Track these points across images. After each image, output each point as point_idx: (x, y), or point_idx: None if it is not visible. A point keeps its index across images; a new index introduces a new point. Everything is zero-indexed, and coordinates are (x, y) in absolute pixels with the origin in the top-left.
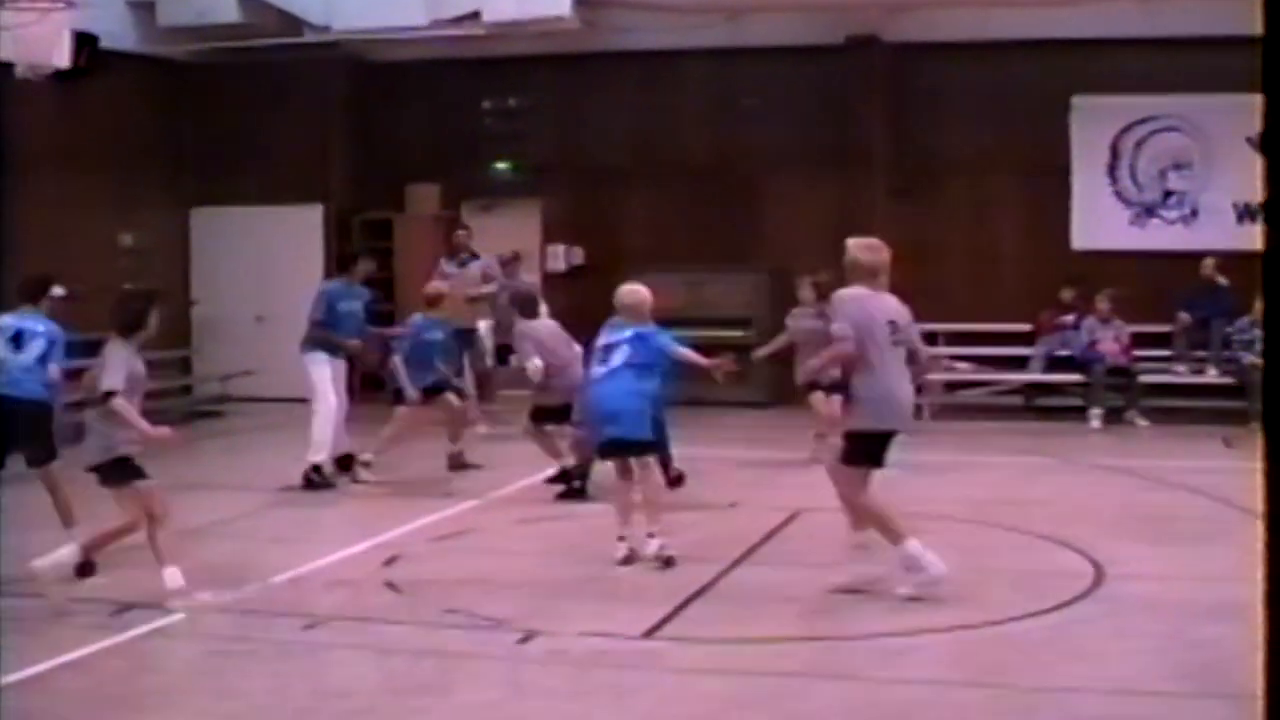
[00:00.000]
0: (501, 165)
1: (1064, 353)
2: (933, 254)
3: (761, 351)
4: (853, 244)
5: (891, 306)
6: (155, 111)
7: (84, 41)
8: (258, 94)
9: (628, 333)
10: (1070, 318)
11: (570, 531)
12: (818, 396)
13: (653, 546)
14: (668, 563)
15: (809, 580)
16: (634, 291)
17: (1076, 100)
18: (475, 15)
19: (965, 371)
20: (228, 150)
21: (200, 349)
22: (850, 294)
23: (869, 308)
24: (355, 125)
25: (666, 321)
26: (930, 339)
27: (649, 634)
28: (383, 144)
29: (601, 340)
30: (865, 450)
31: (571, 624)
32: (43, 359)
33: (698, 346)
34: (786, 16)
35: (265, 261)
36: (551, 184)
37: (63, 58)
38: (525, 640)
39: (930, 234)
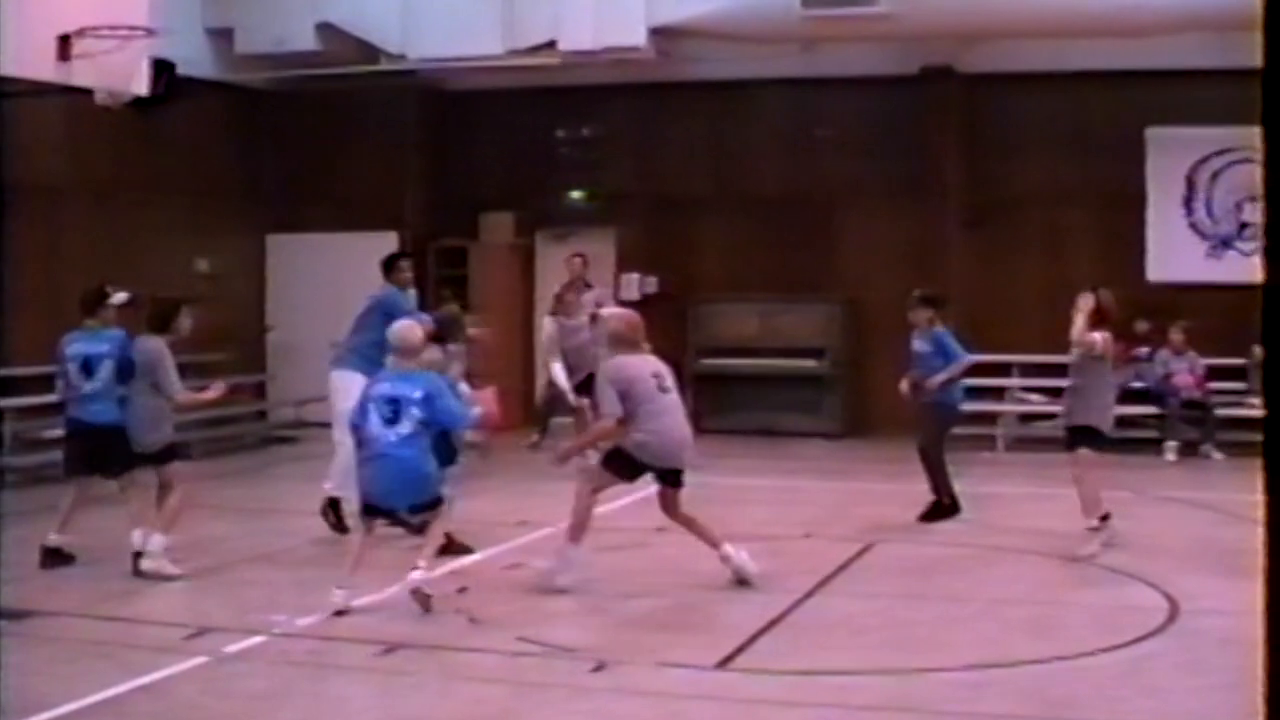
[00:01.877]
0: (576, 194)
1: (1138, 385)
2: (1006, 285)
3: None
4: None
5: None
6: (232, 138)
7: (162, 69)
8: (334, 122)
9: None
10: (1145, 350)
11: (643, 561)
12: None
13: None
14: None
15: (882, 612)
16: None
17: (1151, 132)
18: (551, 44)
19: (1038, 403)
20: (304, 177)
21: (275, 374)
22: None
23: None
24: (431, 153)
25: (740, 350)
26: (1003, 370)
27: (722, 665)
28: (458, 172)
29: None
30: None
31: (644, 654)
32: (120, 376)
33: (772, 376)
34: (861, 47)
35: (340, 288)
36: (626, 213)
37: (141, 85)
38: (598, 670)
39: (1004, 265)
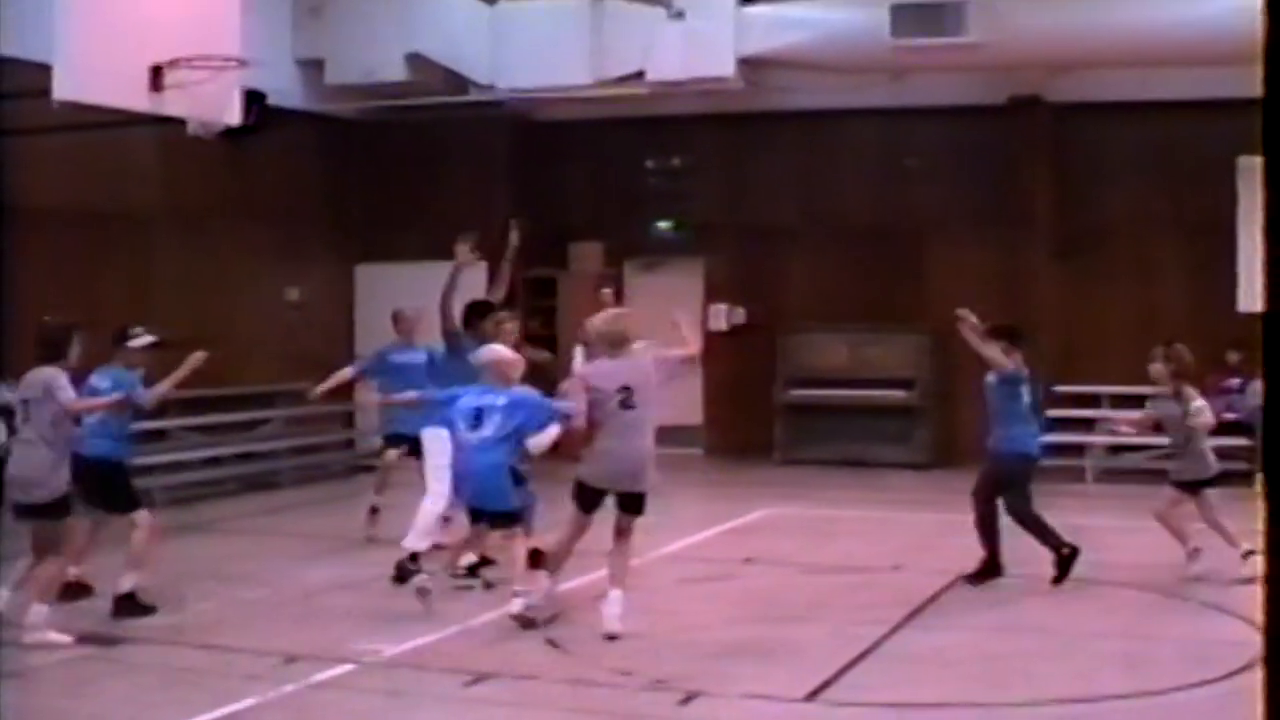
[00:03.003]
0: (664, 224)
1: (1230, 416)
2: (1095, 315)
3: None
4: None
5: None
6: (322, 168)
7: (253, 99)
8: (423, 152)
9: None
10: (1236, 381)
11: (731, 591)
12: None
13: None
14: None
15: (973, 644)
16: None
17: (1242, 160)
18: (639, 75)
19: (1128, 434)
20: (392, 207)
21: (362, 404)
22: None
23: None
24: (519, 183)
25: (829, 381)
26: (1093, 401)
27: (811, 697)
28: (546, 202)
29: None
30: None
31: (733, 685)
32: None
33: (861, 407)
34: (949, 77)
35: (427, 318)
36: (714, 243)
37: (233, 115)
38: (686, 701)
39: (1093, 295)
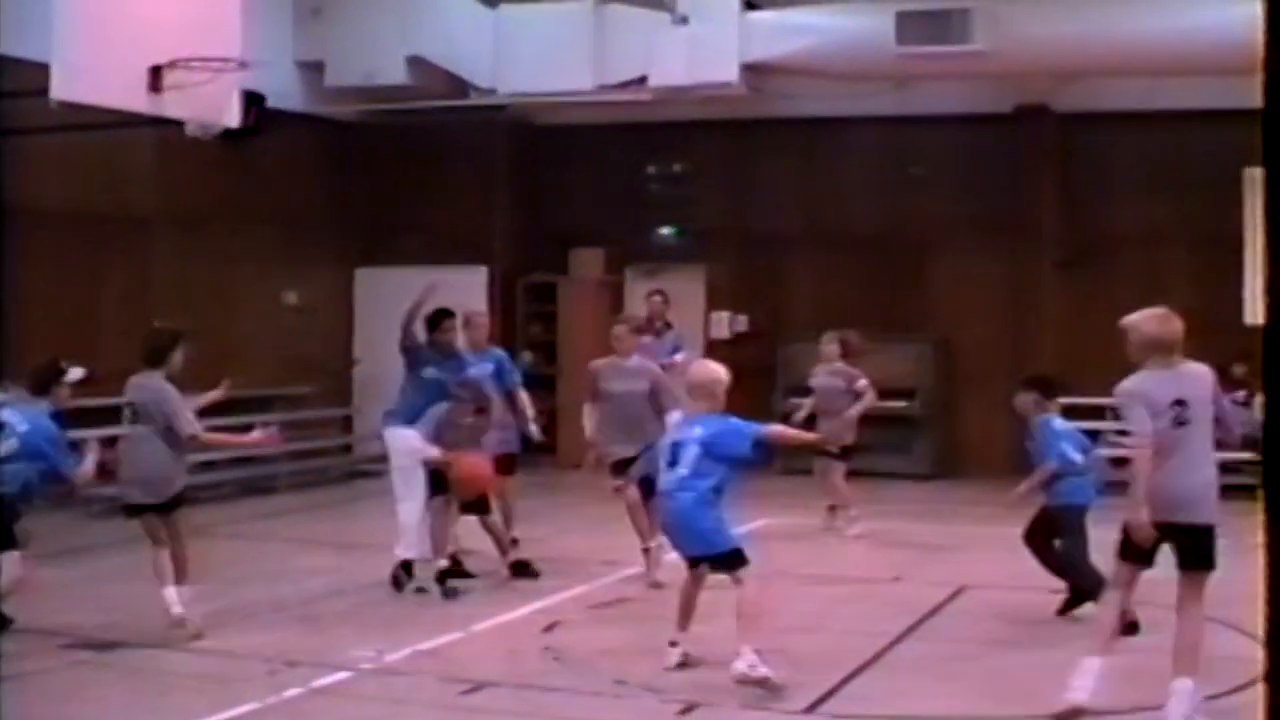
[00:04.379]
0: (666, 230)
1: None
2: (1100, 326)
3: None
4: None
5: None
6: (321, 171)
7: (253, 101)
8: (423, 155)
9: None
10: (1242, 394)
11: (730, 601)
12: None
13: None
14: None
15: (974, 657)
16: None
17: (1249, 171)
18: (642, 80)
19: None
20: (392, 211)
21: (361, 408)
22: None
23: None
24: (520, 188)
25: None
26: (1098, 413)
27: (811, 709)
28: (547, 207)
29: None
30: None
31: (732, 696)
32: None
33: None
34: (955, 85)
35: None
36: (716, 250)
37: (232, 117)
38: (686, 711)
39: (1098, 306)
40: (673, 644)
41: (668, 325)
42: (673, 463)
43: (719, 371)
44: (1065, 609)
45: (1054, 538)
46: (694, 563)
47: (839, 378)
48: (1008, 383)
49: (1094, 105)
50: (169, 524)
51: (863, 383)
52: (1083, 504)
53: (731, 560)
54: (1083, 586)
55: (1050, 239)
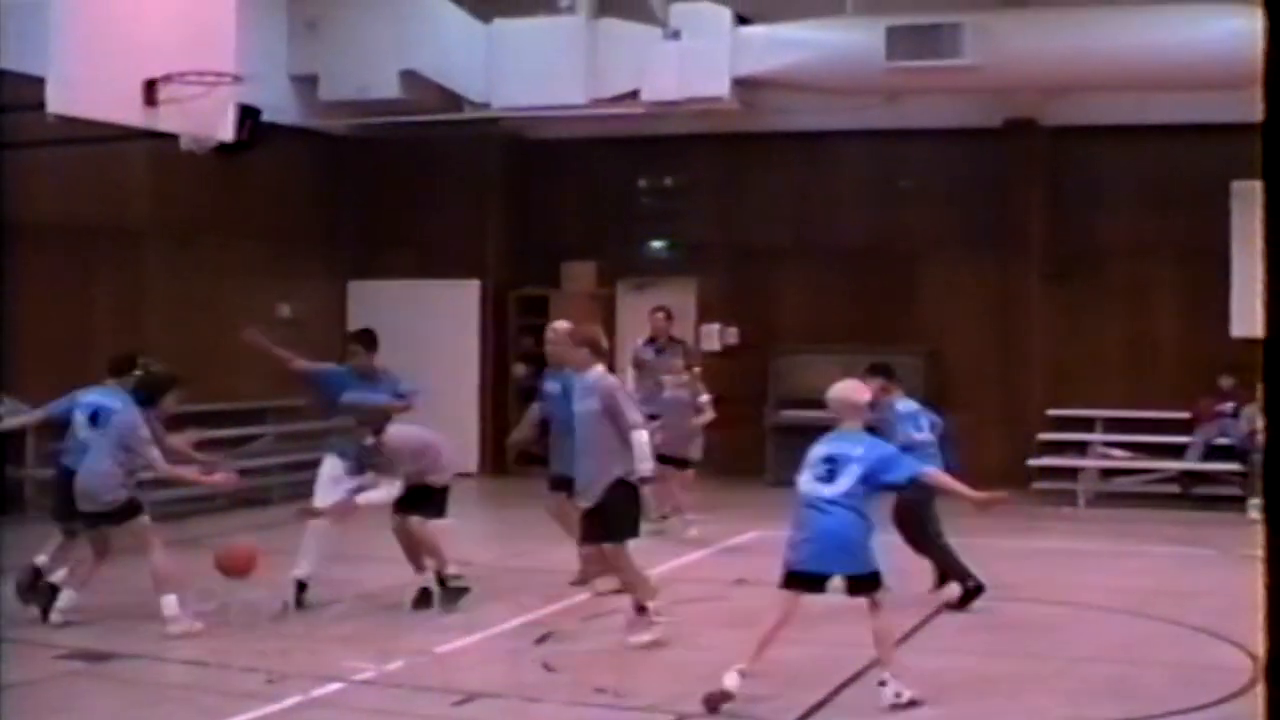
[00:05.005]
0: (657, 244)
1: (1223, 441)
2: (1088, 339)
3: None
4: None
5: None
6: (315, 185)
7: (247, 114)
8: (416, 169)
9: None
10: (1229, 406)
11: (723, 612)
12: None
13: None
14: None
15: (965, 668)
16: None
17: (1236, 185)
18: (634, 94)
19: (1121, 459)
20: (385, 224)
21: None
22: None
23: None
24: (512, 202)
25: (821, 402)
26: (1086, 424)
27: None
28: (539, 221)
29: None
30: None
31: (725, 707)
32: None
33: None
34: (945, 99)
35: (421, 336)
36: (707, 263)
37: (227, 130)
38: None
39: (1086, 319)
40: (742, 673)
41: (672, 340)
42: (829, 478)
43: (860, 389)
44: (938, 586)
45: (925, 522)
46: (819, 583)
47: (684, 390)
48: (998, 394)
49: (1083, 119)
50: (132, 534)
51: (704, 399)
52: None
53: (873, 582)
54: (942, 565)
55: (1039, 252)
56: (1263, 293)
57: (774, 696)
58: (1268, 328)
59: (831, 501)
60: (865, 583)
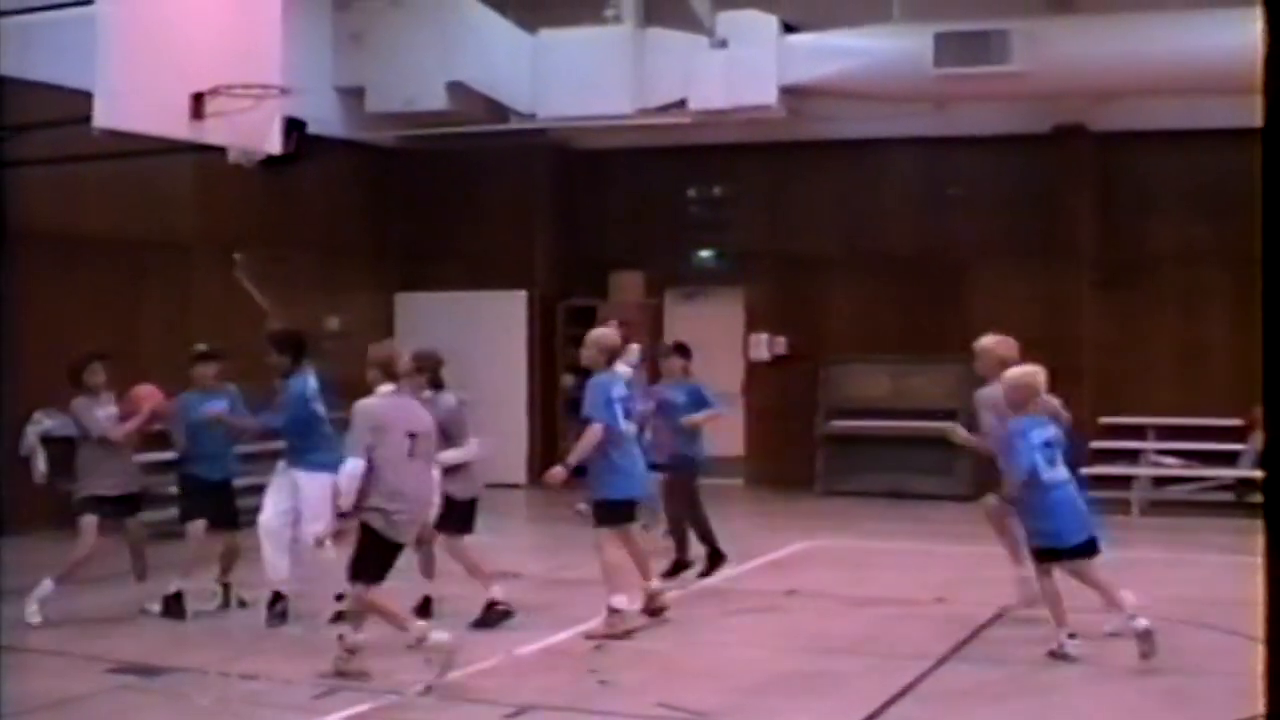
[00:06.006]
0: (705, 253)
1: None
2: (1140, 346)
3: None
4: None
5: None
6: (362, 197)
7: (294, 127)
8: (463, 180)
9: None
10: None
11: (773, 624)
12: None
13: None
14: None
15: (1018, 678)
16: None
17: None
18: (681, 104)
19: (1174, 467)
20: (432, 236)
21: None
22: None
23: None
24: (559, 212)
25: (870, 412)
26: (1138, 432)
27: None
28: (587, 231)
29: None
30: None
31: (776, 719)
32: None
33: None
34: (993, 106)
35: (468, 347)
36: (755, 272)
37: (274, 143)
38: None
39: (1137, 326)
40: (1072, 635)
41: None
42: (1053, 460)
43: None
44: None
45: (695, 502)
46: (1073, 554)
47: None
48: None
49: (1131, 125)
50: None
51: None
52: (690, 456)
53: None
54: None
55: (1088, 259)
56: (1262, 294)
57: (825, 709)
58: (1266, 330)
59: (1067, 480)
60: (1094, 544)
